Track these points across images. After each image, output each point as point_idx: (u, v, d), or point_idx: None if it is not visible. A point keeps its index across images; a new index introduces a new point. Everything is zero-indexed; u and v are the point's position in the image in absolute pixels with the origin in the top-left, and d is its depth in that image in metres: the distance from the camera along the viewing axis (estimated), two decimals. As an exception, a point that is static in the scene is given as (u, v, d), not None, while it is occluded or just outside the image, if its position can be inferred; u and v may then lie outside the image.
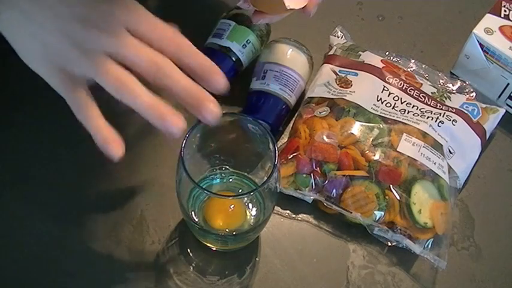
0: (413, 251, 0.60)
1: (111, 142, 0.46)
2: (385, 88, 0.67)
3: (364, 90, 0.67)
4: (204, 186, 0.59)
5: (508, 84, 0.71)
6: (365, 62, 0.70)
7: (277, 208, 0.64)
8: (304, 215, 0.64)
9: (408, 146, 0.63)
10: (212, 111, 0.46)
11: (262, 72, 0.68)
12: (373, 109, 0.65)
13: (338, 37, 0.75)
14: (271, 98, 0.67)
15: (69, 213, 0.63)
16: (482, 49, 0.70)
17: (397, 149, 0.62)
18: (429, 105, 0.67)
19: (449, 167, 0.64)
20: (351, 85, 0.67)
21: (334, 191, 0.62)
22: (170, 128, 0.45)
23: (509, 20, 0.71)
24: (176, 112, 0.45)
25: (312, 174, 0.62)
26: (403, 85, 0.68)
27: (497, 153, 0.71)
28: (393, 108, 0.66)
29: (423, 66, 0.73)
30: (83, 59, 0.45)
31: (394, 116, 0.65)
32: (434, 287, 0.61)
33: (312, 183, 0.62)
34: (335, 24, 0.76)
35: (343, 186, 0.62)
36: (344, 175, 0.62)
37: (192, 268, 0.60)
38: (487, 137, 0.68)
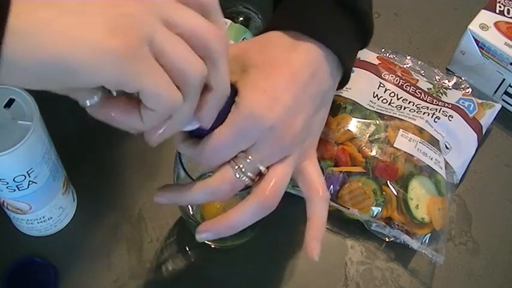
0: (411, 246, 0.61)
1: None
2: (381, 84, 0.67)
3: (361, 87, 0.67)
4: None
5: (504, 79, 0.71)
6: (361, 59, 0.70)
7: (275, 205, 0.64)
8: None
9: (405, 142, 0.63)
10: None
11: (259, 70, 0.68)
12: (370, 105, 0.65)
13: (334, 34, 0.75)
14: (268, 95, 0.67)
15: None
16: (477, 45, 0.71)
17: (394, 145, 0.62)
18: (425, 101, 0.67)
19: (446, 163, 0.64)
20: (347, 82, 0.67)
21: (331, 187, 0.62)
22: None
23: (505, 15, 0.72)
24: None
25: (309, 171, 0.63)
26: (399, 81, 0.68)
27: (493, 148, 0.71)
28: (389, 104, 0.66)
29: (419, 62, 0.73)
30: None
31: (390, 112, 0.65)
32: (432, 282, 0.61)
33: (310, 180, 0.62)
34: (331, 21, 0.76)
35: (340, 182, 0.62)
36: (341, 171, 0.62)
37: (190, 266, 0.60)
38: (484, 133, 0.69)
